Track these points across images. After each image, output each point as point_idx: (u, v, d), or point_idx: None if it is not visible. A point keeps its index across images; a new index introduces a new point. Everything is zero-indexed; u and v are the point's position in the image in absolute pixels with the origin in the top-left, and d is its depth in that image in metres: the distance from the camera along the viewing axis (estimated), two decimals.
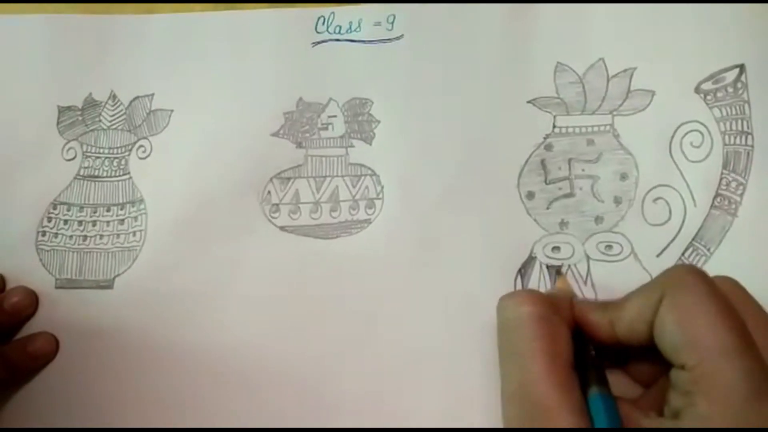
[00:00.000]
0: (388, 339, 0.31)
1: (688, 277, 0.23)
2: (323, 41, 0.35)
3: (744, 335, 0.21)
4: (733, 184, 0.30)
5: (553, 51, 0.33)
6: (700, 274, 0.23)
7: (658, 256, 0.30)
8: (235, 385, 0.31)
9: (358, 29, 0.35)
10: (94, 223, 0.34)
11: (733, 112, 0.31)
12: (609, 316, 0.25)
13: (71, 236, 0.34)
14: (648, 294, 0.24)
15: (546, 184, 0.32)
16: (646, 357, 0.25)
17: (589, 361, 0.25)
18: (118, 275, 0.33)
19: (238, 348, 0.31)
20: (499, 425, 0.28)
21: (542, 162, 0.32)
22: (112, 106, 0.36)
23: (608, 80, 0.33)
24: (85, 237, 0.34)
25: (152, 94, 0.36)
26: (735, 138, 0.31)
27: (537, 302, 0.25)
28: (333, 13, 0.35)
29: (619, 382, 0.26)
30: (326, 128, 0.34)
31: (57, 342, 0.32)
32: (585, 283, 0.30)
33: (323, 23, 0.35)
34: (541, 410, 0.22)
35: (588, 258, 0.31)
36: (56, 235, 0.34)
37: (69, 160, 0.35)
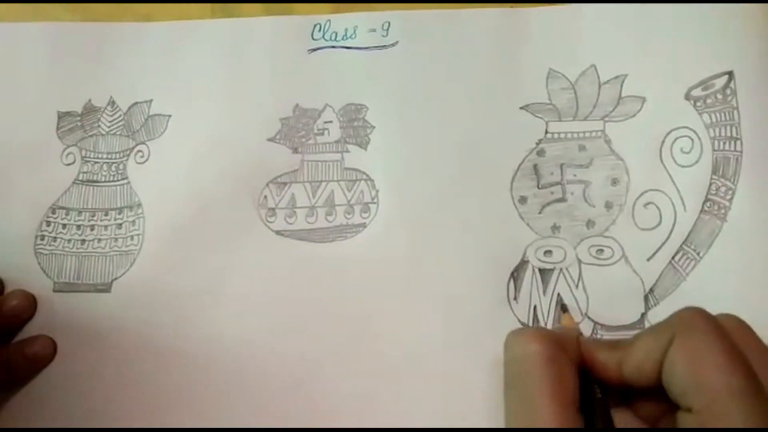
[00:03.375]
0: (384, 342, 0.31)
1: (698, 319, 0.23)
2: (319, 48, 0.36)
3: (752, 377, 0.21)
4: (723, 189, 0.31)
5: (546, 58, 0.34)
6: (709, 317, 0.23)
7: (648, 259, 0.31)
8: (233, 388, 0.31)
9: (353, 36, 0.36)
10: (92, 228, 0.34)
11: (723, 118, 0.32)
12: (617, 356, 0.25)
13: (69, 240, 0.34)
14: (658, 335, 0.24)
15: (538, 188, 0.32)
16: (652, 396, 0.25)
17: (595, 403, 0.24)
18: (116, 279, 0.33)
19: (236, 351, 0.32)
20: (495, 424, 0.29)
21: (535, 167, 0.33)
22: (111, 111, 0.36)
23: (600, 87, 0.33)
24: (84, 241, 0.34)
25: (150, 100, 0.36)
26: (724, 144, 0.31)
27: (545, 341, 0.24)
28: (329, 20, 0.36)
29: (625, 421, 0.25)
30: (322, 134, 0.35)
31: (55, 345, 0.32)
32: (577, 286, 0.31)
33: (319, 30, 0.36)
34: None
35: (579, 262, 0.31)
36: (55, 239, 0.34)
37: (68, 165, 0.35)
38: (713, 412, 0.21)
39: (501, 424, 0.29)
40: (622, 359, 0.24)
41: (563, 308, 0.30)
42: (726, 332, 0.23)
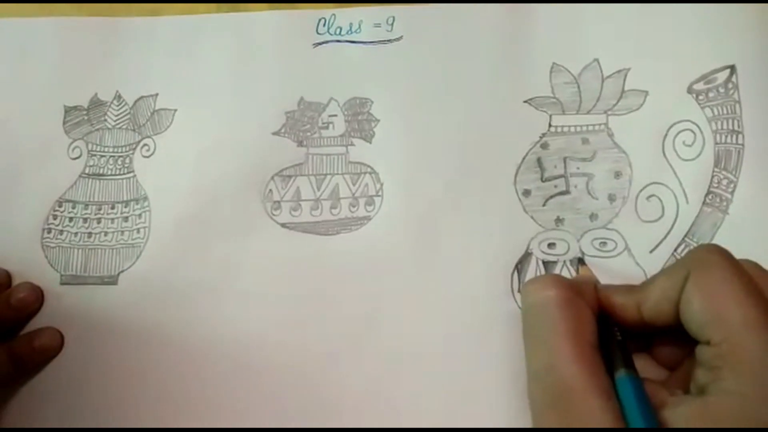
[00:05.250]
0: (387, 335, 0.31)
1: (712, 255, 0.24)
2: (324, 42, 0.36)
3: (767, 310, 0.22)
4: (724, 182, 0.31)
5: (549, 52, 0.34)
6: (724, 253, 0.24)
7: (651, 252, 0.31)
8: (237, 381, 0.31)
9: (358, 30, 0.36)
10: (98, 221, 0.35)
11: (724, 112, 0.32)
12: (634, 298, 0.25)
13: (76, 233, 0.34)
14: (673, 273, 0.24)
15: (542, 181, 0.33)
16: (670, 340, 0.25)
17: (615, 345, 0.25)
18: (123, 271, 0.34)
19: (240, 344, 0.32)
20: (499, 424, 0.29)
21: (538, 160, 0.33)
22: (117, 105, 0.36)
23: (603, 81, 0.33)
24: (90, 234, 0.34)
25: (156, 94, 0.36)
26: (726, 137, 0.32)
27: (561, 286, 0.25)
28: (334, 15, 0.36)
29: (645, 366, 0.26)
30: (327, 127, 0.35)
31: (62, 337, 0.33)
32: None
33: (324, 25, 0.36)
34: (566, 391, 0.22)
35: (583, 254, 0.31)
36: (61, 232, 0.34)
37: (74, 158, 0.36)
38: (731, 344, 0.21)
39: (504, 422, 0.29)
40: (640, 301, 0.25)
41: (581, 261, 0.31)
42: (741, 267, 0.23)
